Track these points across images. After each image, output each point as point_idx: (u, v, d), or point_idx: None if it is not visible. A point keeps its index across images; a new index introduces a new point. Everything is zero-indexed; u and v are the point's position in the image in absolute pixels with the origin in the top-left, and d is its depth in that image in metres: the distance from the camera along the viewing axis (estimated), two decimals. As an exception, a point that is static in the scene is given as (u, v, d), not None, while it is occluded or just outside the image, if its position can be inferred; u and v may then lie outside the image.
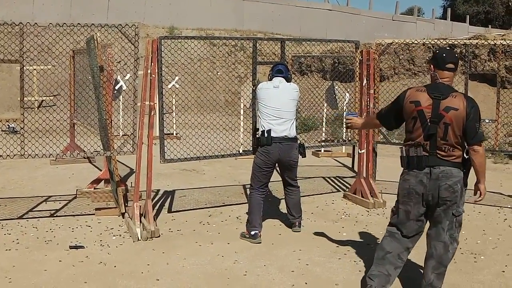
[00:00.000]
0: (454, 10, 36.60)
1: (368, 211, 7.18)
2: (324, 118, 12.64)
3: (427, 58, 16.77)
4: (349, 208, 7.34)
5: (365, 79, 7.60)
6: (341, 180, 9.15)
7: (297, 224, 6.29)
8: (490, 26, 32.96)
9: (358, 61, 7.72)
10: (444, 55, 4.13)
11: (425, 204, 4.09)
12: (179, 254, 5.41)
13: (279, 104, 5.91)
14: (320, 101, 11.63)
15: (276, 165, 6.08)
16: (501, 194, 8.12)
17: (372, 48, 7.92)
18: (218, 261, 5.25)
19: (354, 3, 37.49)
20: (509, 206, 7.40)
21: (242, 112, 11.32)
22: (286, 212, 6.40)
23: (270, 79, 6.12)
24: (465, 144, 4.04)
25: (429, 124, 3.98)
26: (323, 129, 12.74)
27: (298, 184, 6.37)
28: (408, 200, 4.13)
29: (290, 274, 4.96)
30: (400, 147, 4.28)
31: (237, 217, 6.80)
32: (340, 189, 8.44)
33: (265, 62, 12.07)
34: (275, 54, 17.69)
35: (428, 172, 4.00)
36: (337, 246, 5.71)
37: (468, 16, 34.44)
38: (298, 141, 6.14)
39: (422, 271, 4.48)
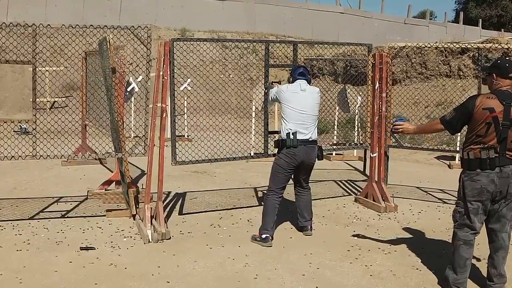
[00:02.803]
0: (467, 13, 36.44)
1: (379, 215, 7.14)
2: (336, 121, 12.60)
3: (439, 62, 16.68)
4: (361, 212, 7.31)
5: (377, 83, 7.57)
6: (352, 184, 9.12)
7: (308, 227, 6.26)
8: (503, 29, 32.75)
9: (371, 64, 7.68)
10: (507, 65, 4.53)
11: (492, 200, 4.49)
12: (189, 257, 5.40)
13: (305, 107, 5.92)
14: (332, 104, 11.58)
15: None
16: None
17: (384, 52, 7.87)
18: (228, 264, 5.24)
19: (366, 6, 37.38)
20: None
21: (253, 114, 11.31)
22: (297, 214, 6.38)
23: (292, 82, 6.11)
24: None
25: (501, 128, 4.37)
26: (335, 132, 12.70)
27: (309, 185, 6.37)
28: (479, 198, 4.47)
29: (301, 277, 4.93)
30: (463, 151, 4.56)
31: (248, 220, 6.78)
32: (351, 193, 8.41)
33: (277, 65, 12.04)
34: (287, 57, 17.68)
35: (499, 171, 4.41)
36: (348, 250, 5.68)
37: (480, 19, 34.28)
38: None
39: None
